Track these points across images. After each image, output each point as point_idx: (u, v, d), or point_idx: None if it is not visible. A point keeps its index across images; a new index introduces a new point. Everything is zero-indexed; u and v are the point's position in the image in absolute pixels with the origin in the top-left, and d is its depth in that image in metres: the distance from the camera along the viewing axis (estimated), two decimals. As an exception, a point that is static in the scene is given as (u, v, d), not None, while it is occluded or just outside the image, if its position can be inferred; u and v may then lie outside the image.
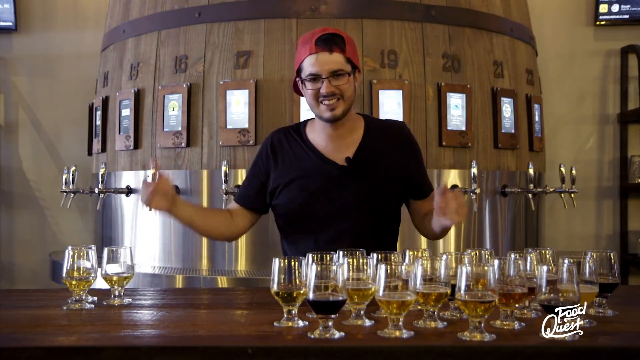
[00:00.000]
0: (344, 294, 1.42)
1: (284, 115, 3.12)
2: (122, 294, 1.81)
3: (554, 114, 4.31)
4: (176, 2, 3.38)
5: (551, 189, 3.46)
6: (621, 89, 4.47)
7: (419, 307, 1.53)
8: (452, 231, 3.26)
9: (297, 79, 2.12)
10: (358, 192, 2.09)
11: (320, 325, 1.40)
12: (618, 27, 4.48)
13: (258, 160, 2.21)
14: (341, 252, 1.66)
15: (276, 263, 1.49)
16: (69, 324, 1.58)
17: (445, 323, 1.51)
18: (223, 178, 3.00)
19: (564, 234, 4.40)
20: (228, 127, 3.16)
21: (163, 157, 3.30)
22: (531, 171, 3.34)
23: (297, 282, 1.48)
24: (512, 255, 1.55)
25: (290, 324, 1.49)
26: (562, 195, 3.42)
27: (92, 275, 1.76)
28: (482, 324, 1.39)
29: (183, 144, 3.23)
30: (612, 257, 1.66)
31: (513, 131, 3.47)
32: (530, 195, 3.38)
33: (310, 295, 1.41)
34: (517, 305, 1.51)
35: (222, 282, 3.02)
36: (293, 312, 1.51)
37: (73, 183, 3.54)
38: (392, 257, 1.62)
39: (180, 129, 3.25)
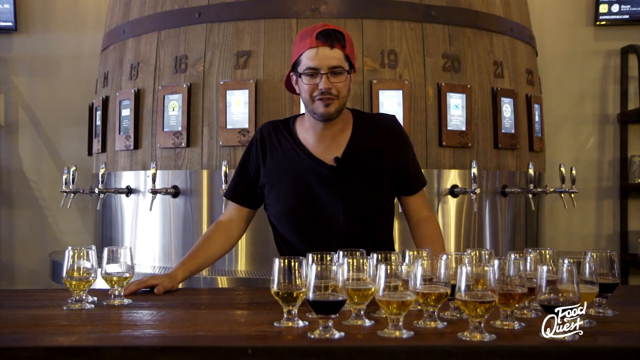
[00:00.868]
0: (344, 294, 1.42)
1: (284, 115, 3.12)
2: (122, 294, 1.81)
3: (554, 114, 4.31)
4: (176, 2, 3.38)
5: (551, 189, 3.46)
6: (621, 89, 4.47)
7: (419, 307, 1.53)
8: (452, 231, 3.27)
9: (292, 74, 2.07)
10: (348, 192, 2.07)
11: (320, 325, 1.40)
12: (618, 27, 4.48)
13: (248, 154, 2.18)
14: (341, 252, 1.65)
15: (276, 263, 1.49)
16: (69, 324, 1.58)
17: (445, 323, 1.50)
18: (223, 178, 3.00)
19: (564, 234, 4.41)
20: (228, 127, 3.16)
21: (163, 157, 3.30)
22: (531, 171, 3.34)
23: (297, 282, 1.48)
24: (512, 255, 1.54)
25: (290, 324, 1.49)
26: (562, 195, 3.42)
27: (92, 275, 1.75)
28: (482, 324, 1.39)
29: (183, 144, 3.23)
30: (612, 257, 1.66)
31: (513, 131, 3.47)
32: (530, 196, 3.38)
33: (310, 296, 1.41)
34: (517, 305, 1.51)
35: (222, 282, 3.03)
36: (293, 312, 1.50)
37: (73, 183, 3.54)
38: (392, 257, 1.62)
39: (180, 129, 3.25)
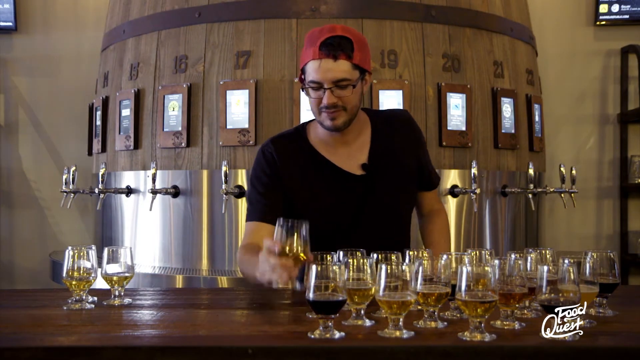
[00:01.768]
0: (344, 294, 1.42)
1: (284, 115, 3.12)
2: (122, 294, 1.81)
3: (554, 114, 4.31)
4: (176, 2, 3.38)
5: (551, 189, 3.46)
6: (621, 89, 4.47)
7: (419, 307, 1.53)
8: (452, 231, 3.26)
9: (302, 77, 1.96)
10: (379, 197, 1.99)
11: (320, 325, 1.40)
12: (618, 27, 4.48)
13: (266, 170, 1.99)
14: (341, 252, 1.65)
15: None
16: (69, 324, 1.58)
17: (445, 323, 1.50)
18: (223, 178, 3.00)
19: (564, 234, 4.40)
20: (228, 127, 3.16)
21: (163, 157, 3.30)
22: (531, 171, 3.34)
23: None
24: (512, 255, 1.54)
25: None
26: (562, 195, 3.42)
27: (92, 275, 1.75)
28: (483, 324, 1.39)
29: (183, 144, 3.23)
30: (612, 257, 1.66)
31: (513, 131, 3.47)
32: (530, 196, 3.38)
33: (310, 295, 1.40)
34: (517, 305, 1.51)
35: (222, 282, 3.02)
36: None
37: (73, 183, 3.54)
38: (392, 257, 1.62)
39: (180, 129, 3.25)
